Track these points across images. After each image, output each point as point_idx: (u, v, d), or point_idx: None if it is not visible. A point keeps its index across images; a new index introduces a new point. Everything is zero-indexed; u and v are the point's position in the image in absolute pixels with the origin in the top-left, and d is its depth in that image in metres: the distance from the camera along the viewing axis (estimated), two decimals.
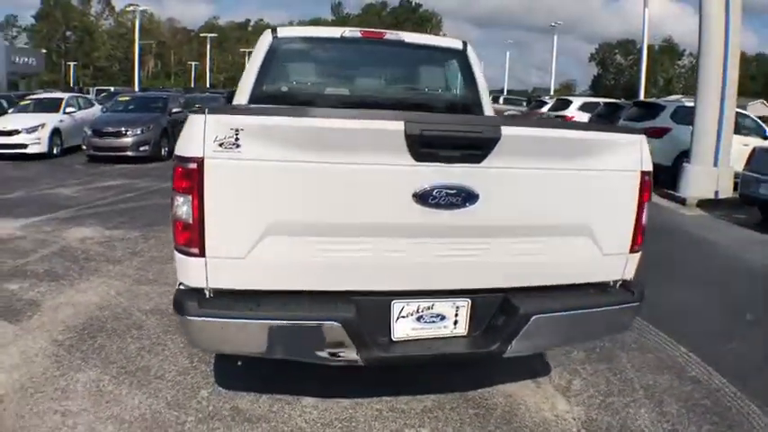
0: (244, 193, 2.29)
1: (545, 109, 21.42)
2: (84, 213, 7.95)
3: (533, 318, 2.55)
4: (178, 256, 2.41)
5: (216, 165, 2.23)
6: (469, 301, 2.59)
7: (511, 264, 2.57)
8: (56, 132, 14.49)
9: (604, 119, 15.73)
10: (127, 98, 17.62)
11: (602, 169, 2.58)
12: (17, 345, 3.87)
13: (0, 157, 13.81)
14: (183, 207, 2.29)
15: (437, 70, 5.05)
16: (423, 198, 2.35)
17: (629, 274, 2.80)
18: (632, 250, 2.74)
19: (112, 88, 42.53)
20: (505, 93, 50.66)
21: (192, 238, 2.31)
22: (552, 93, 49.38)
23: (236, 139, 2.21)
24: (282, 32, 4.56)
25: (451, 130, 2.37)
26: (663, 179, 11.23)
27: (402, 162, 2.31)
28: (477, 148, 2.36)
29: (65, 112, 15.15)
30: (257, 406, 3.16)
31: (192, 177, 2.24)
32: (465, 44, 4.75)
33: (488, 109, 4.62)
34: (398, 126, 2.27)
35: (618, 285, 2.81)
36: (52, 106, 15.34)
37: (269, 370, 3.30)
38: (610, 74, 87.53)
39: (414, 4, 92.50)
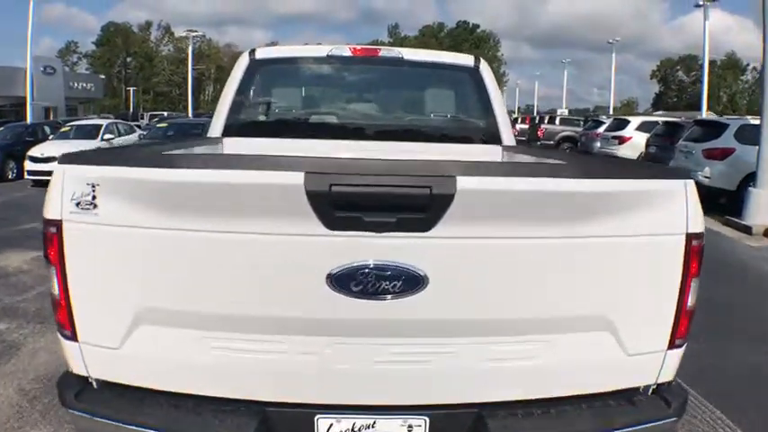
0: (106, 268, 1.77)
1: (601, 129, 20.16)
2: None
3: None
4: (59, 335, 1.91)
5: (73, 229, 1.74)
6: (427, 420, 1.85)
7: (485, 371, 1.84)
8: None
9: (663, 139, 14.52)
10: (165, 124, 17.84)
11: (625, 235, 1.78)
12: None
13: (38, 183, 13.99)
14: (53, 279, 1.82)
15: (445, 92, 4.29)
16: (341, 283, 1.67)
17: (667, 375, 1.95)
18: (672, 345, 1.91)
19: (165, 113, 44.18)
20: (565, 113, 47.90)
21: (63, 317, 1.83)
22: (612, 111, 47.22)
23: (93, 197, 1.71)
24: (261, 53, 3.96)
25: (378, 184, 1.63)
26: (725, 205, 10.32)
27: (308, 231, 1.65)
28: (420, 211, 1.65)
29: (102, 139, 15.38)
30: None
31: (53, 244, 1.77)
32: (478, 60, 4.01)
33: (507, 137, 3.82)
34: (296, 179, 1.60)
35: (650, 392, 1.96)
36: (92, 133, 15.63)
37: None
38: (672, 91, 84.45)
39: (471, 24, 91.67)
